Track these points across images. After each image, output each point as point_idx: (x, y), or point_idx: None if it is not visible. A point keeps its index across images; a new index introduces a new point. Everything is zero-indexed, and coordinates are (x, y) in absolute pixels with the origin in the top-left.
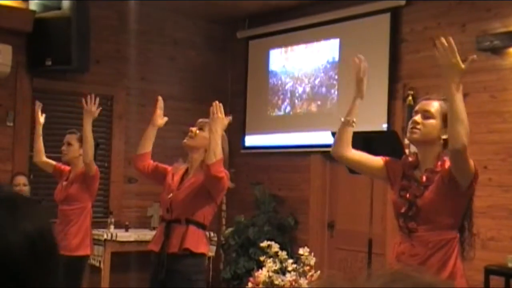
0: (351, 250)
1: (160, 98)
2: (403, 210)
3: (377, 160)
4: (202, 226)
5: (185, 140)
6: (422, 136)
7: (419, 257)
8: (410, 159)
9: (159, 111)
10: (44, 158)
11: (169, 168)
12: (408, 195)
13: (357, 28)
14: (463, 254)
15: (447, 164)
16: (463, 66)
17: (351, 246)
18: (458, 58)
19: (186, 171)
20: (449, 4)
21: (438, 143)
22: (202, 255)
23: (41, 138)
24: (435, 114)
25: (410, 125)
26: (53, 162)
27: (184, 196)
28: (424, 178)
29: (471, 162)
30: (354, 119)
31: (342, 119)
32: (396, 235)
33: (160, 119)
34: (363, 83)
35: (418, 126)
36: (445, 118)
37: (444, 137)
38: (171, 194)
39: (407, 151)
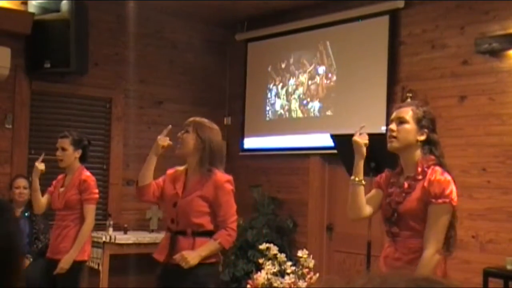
0: (350, 253)
1: (170, 126)
2: (387, 216)
3: (376, 194)
4: (210, 233)
5: (176, 151)
6: (399, 143)
7: (401, 261)
8: (390, 172)
9: (165, 137)
10: (44, 208)
11: (169, 172)
12: (391, 202)
13: (355, 30)
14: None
15: (429, 174)
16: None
17: (350, 249)
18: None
19: (186, 173)
20: (448, 6)
21: (416, 145)
22: (215, 263)
23: (38, 193)
24: (409, 119)
25: (388, 134)
26: (46, 200)
27: (190, 210)
28: (406, 185)
29: (449, 220)
30: (362, 179)
31: (352, 181)
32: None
33: (164, 142)
34: (364, 148)
35: (394, 134)
36: (419, 121)
37: (420, 138)
38: (175, 203)
39: None
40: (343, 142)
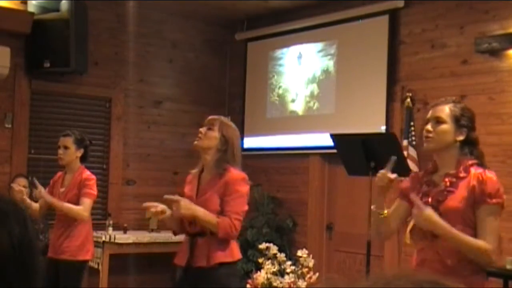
0: (350, 252)
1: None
2: None
3: (399, 206)
4: None
5: (195, 142)
6: (436, 144)
7: (446, 265)
8: (419, 173)
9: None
10: (40, 212)
11: (187, 180)
12: (430, 200)
13: (355, 30)
14: None
15: (475, 173)
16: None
17: (350, 248)
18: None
19: (201, 174)
20: (448, 6)
21: (455, 146)
22: (236, 262)
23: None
24: (446, 119)
25: (424, 134)
26: (39, 205)
27: (205, 210)
28: (447, 183)
29: (498, 222)
30: (385, 211)
31: (374, 213)
32: (417, 243)
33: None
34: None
35: (431, 135)
36: (457, 120)
37: (459, 138)
38: None
39: (405, 153)
40: (343, 141)
